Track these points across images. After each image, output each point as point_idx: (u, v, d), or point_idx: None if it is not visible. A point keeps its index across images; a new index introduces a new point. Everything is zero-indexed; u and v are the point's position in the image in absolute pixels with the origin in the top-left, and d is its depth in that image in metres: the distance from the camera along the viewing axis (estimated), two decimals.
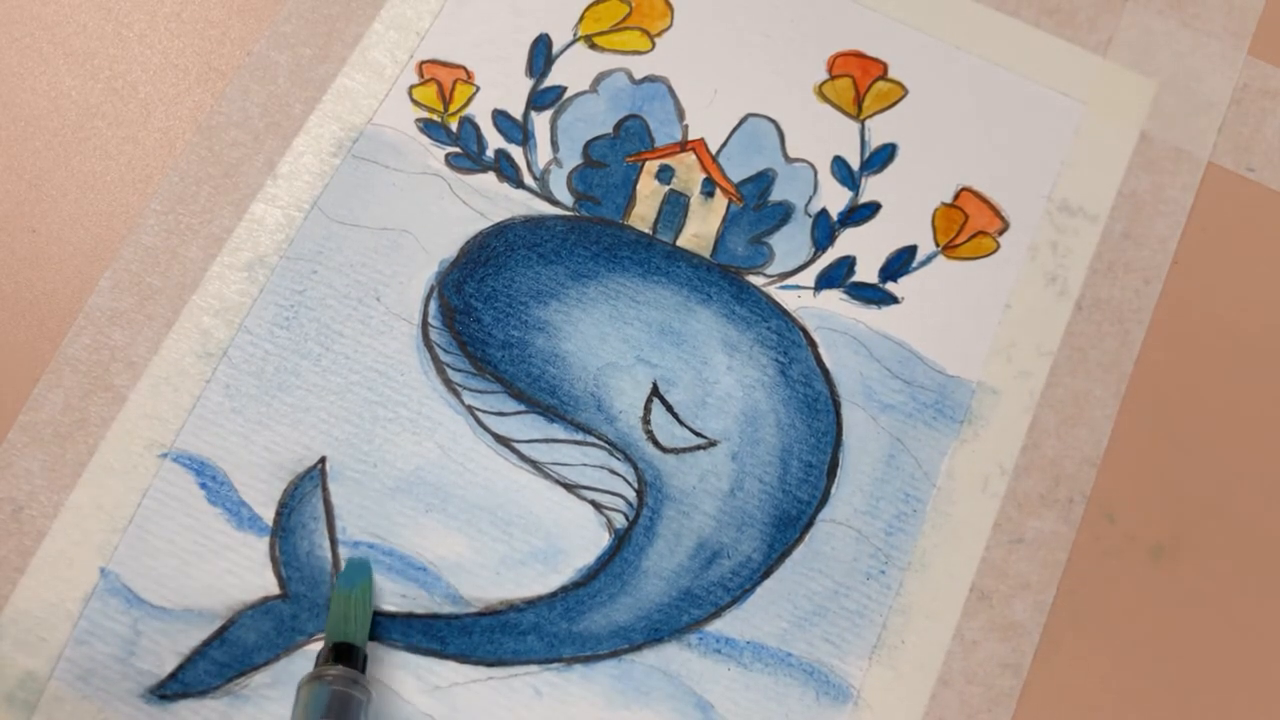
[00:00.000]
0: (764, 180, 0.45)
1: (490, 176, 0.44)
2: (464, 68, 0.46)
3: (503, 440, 0.41)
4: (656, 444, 0.41)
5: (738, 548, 0.40)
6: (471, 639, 0.39)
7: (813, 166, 0.45)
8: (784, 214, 0.45)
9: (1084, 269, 0.45)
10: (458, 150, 0.44)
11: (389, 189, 0.44)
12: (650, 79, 0.46)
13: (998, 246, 0.45)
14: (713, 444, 0.42)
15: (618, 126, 0.45)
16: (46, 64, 0.45)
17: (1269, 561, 0.42)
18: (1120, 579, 0.42)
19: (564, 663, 0.39)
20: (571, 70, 0.46)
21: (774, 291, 0.43)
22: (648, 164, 0.45)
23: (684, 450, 0.41)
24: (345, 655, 0.36)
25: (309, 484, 0.40)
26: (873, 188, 0.45)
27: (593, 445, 0.41)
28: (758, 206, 0.45)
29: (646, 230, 0.44)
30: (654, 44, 0.46)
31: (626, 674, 0.39)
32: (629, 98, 0.46)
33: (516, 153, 0.45)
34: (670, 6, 0.47)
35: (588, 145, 0.45)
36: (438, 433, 0.41)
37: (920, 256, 0.44)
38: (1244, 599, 0.42)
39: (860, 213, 0.45)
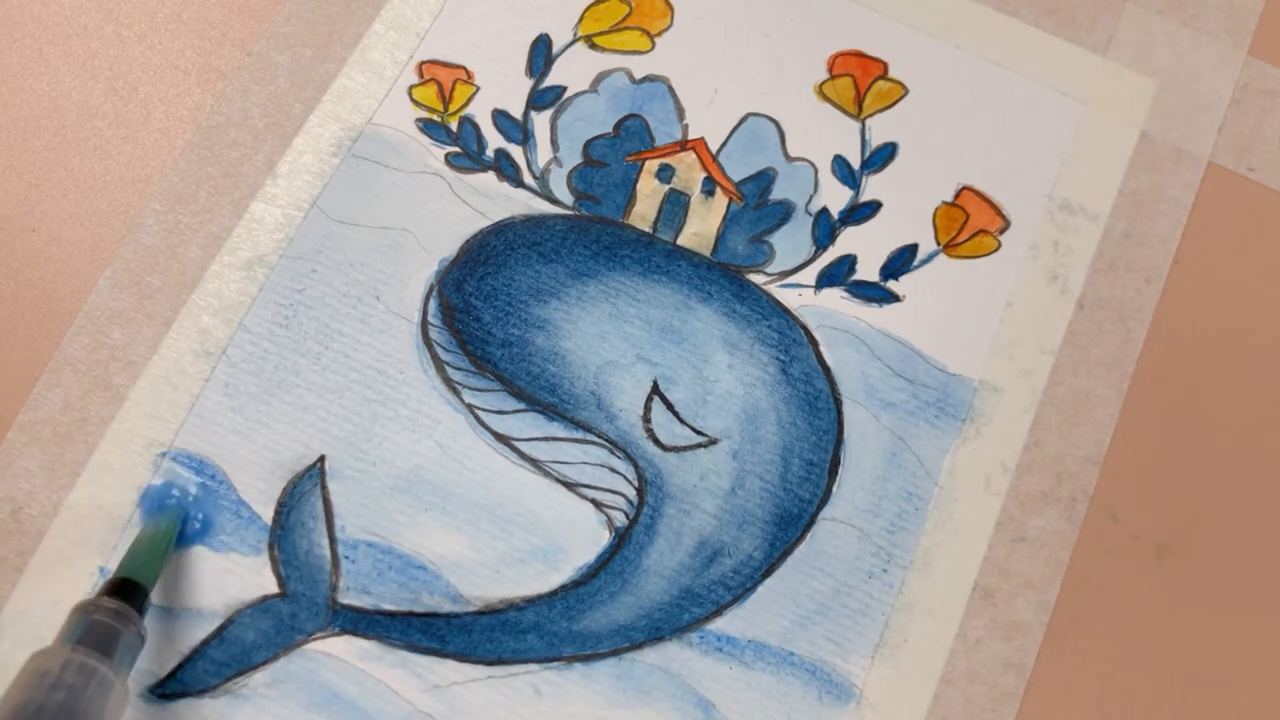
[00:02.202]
0: (764, 179, 0.45)
1: (490, 176, 0.44)
2: (464, 68, 0.46)
3: (503, 439, 0.41)
4: (657, 442, 0.41)
5: (739, 546, 0.40)
6: (471, 638, 0.39)
7: (813, 165, 0.45)
8: (784, 213, 0.44)
9: (1085, 268, 0.45)
10: (458, 150, 0.44)
11: (389, 188, 0.44)
12: (650, 79, 0.46)
13: (999, 245, 0.45)
14: (713, 442, 0.41)
15: (618, 126, 0.45)
16: (46, 64, 0.45)
17: (1272, 560, 0.42)
18: (1123, 578, 0.41)
19: (564, 661, 0.39)
20: (571, 70, 0.46)
21: (775, 290, 0.43)
22: (648, 163, 0.45)
23: (685, 448, 0.41)
24: (128, 592, 0.35)
25: (308, 483, 0.40)
26: (873, 186, 0.45)
27: (593, 443, 0.41)
28: (758, 205, 0.44)
29: (647, 229, 0.44)
30: (654, 44, 0.46)
31: (627, 673, 0.39)
32: (629, 97, 0.46)
33: (516, 152, 0.45)
34: (670, 6, 0.47)
35: (588, 145, 0.45)
36: (437, 431, 0.41)
37: (921, 255, 0.44)
38: (1247, 598, 0.42)
39: (861, 211, 0.45)
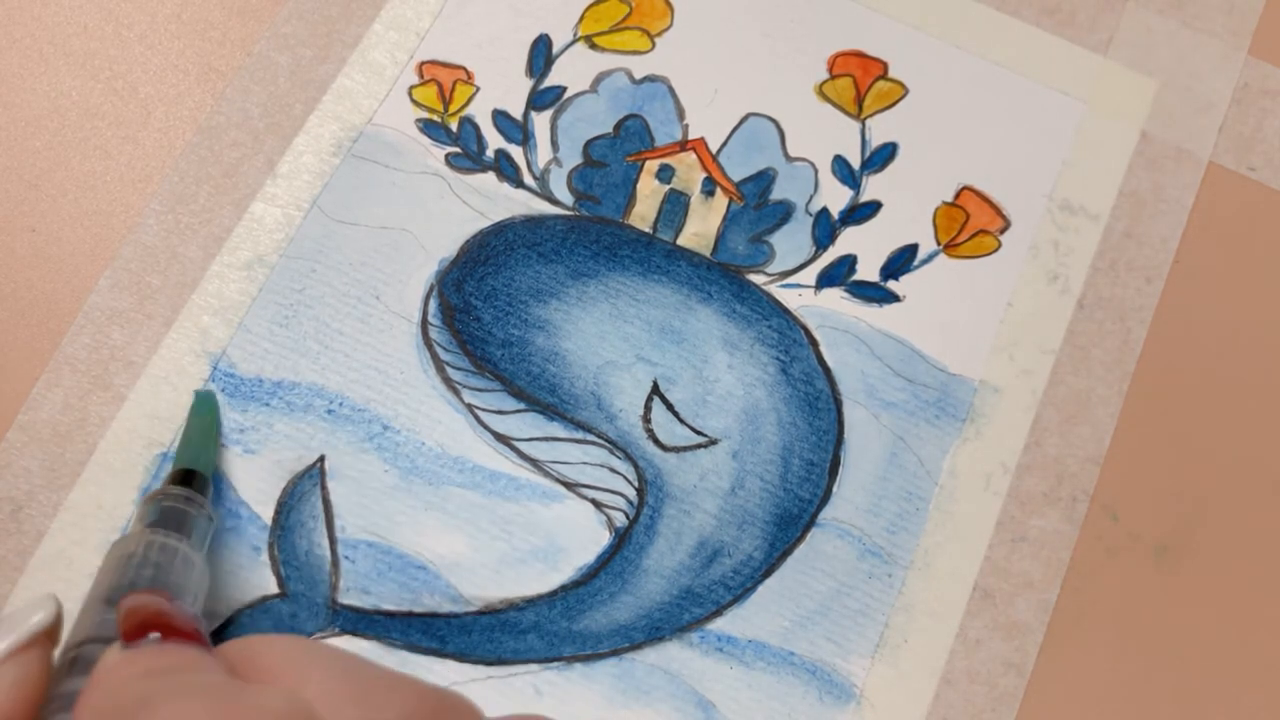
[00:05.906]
0: (764, 179, 0.45)
1: (490, 176, 0.44)
2: (464, 68, 0.46)
3: (503, 438, 0.41)
4: (657, 442, 0.41)
5: (739, 546, 0.40)
6: (471, 638, 0.39)
7: (813, 165, 0.45)
8: (784, 213, 0.44)
9: (1086, 267, 0.45)
10: (458, 150, 0.44)
11: (389, 189, 0.44)
12: (650, 79, 0.46)
13: (999, 245, 0.45)
14: (714, 442, 0.41)
15: (618, 126, 0.45)
16: (46, 64, 0.45)
17: (1273, 560, 0.42)
18: (1123, 578, 0.41)
19: (564, 661, 0.39)
20: (571, 70, 0.46)
21: (775, 290, 0.43)
22: (648, 163, 0.45)
23: (685, 449, 0.41)
24: (187, 480, 0.37)
25: (308, 483, 0.40)
26: (873, 186, 0.45)
27: (593, 444, 0.41)
28: (758, 205, 0.44)
29: (647, 229, 0.44)
30: (654, 44, 0.46)
31: (627, 673, 0.39)
32: (629, 97, 0.46)
33: (516, 152, 0.45)
34: (670, 6, 0.47)
35: (588, 145, 0.45)
36: (437, 431, 0.41)
37: (921, 255, 0.44)
38: (1248, 598, 0.42)
39: (861, 211, 0.45)
